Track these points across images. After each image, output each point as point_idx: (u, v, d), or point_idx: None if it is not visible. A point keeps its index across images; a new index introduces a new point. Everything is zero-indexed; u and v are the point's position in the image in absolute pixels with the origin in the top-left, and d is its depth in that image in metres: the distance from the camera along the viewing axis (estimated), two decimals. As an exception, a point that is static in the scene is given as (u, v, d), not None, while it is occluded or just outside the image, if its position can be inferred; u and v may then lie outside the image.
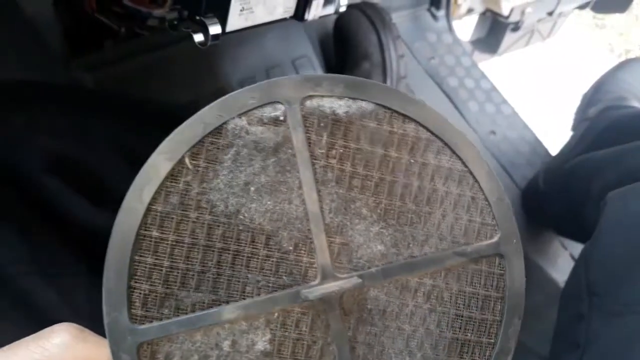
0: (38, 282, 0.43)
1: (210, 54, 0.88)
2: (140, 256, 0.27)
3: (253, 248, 0.28)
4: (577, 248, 0.94)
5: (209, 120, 0.28)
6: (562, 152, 0.96)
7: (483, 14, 1.23)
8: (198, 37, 0.48)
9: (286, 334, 0.28)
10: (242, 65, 0.92)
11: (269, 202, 0.28)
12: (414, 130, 0.31)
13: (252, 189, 0.28)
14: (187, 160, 0.27)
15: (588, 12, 1.40)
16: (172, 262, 0.27)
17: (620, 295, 0.49)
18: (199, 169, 0.28)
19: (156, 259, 0.27)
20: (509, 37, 1.26)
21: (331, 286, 0.29)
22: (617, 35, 1.79)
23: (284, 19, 0.56)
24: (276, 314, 0.28)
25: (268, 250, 0.28)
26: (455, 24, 1.18)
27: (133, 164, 0.50)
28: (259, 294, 0.28)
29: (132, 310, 0.26)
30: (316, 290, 0.28)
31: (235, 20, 0.50)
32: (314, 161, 0.29)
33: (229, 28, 0.50)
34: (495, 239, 0.32)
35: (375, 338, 0.30)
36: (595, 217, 0.61)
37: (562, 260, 0.95)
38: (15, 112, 0.47)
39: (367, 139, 0.30)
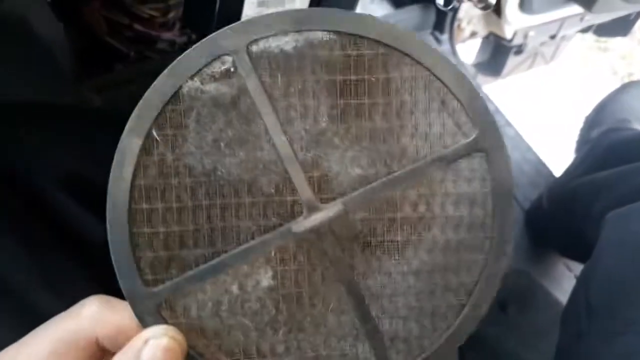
0: (46, 296, 0.44)
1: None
2: (138, 228, 0.29)
3: (238, 198, 0.30)
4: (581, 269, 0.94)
5: (163, 90, 0.29)
6: (565, 174, 0.96)
7: (486, 38, 1.25)
8: (207, 60, 0.50)
9: (286, 267, 0.30)
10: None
11: (241, 154, 0.29)
12: (369, 48, 0.30)
13: (222, 144, 0.29)
14: (154, 132, 0.29)
15: (591, 35, 1.42)
16: (166, 227, 0.29)
17: (620, 315, 0.50)
18: (168, 137, 0.29)
19: (152, 227, 0.29)
20: (512, 60, 1.27)
21: (317, 217, 0.30)
22: (620, 58, 1.80)
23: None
24: (273, 252, 0.30)
25: (252, 198, 0.30)
26: (459, 47, 1.20)
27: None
28: (253, 238, 0.30)
29: (144, 277, 0.29)
30: (304, 223, 0.30)
31: (243, 44, 0.52)
32: (274, 103, 0.29)
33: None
34: (473, 136, 0.31)
35: (371, 254, 0.31)
36: (596, 238, 0.61)
37: (566, 282, 0.95)
38: (30, 132, 0.48)
39: (322, 68, 0.30)
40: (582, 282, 0.58)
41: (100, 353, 0.28)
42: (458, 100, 0.31)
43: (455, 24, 1.16)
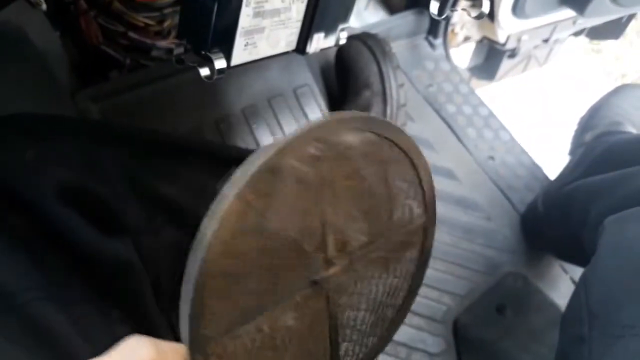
0: (49, 308, 0.44)
1: (214, 84, 0.90)
2: (214, 281, 0.31)
3: (288, 259, 0.35)
4: (577, 272, 0.95)
5: (270, 164, 0.33)
6: (560, 177, 0.97)
7: (480, 42, 1.26)
8: (204, 72, 0.50)
9: (305, 311, 0.37)
10: (245, 94, 0.94)
11: (297, 221, 0.35)
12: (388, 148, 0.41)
13: (292, 212, 0.35)
14: (247, 196, 0.32)
15: (584, 37, 1.43)
16: (237, 284, 0.33)
17: (620, 318, 0.50)
18: (254, 204, 0.32)
19: (225, 281, 0.32)
20: (506, 64, 1.28)
21: (331, 272, 0.38)
22: (613, 60, 1.81)
23: (286, 52, 0.58)
24: (299, 298, 0.36)
25: (297, 257, 0.36)
26: (453, 51, 1.21)
27: (140, 193, 0.52)
28: (293, 295, 0.36)
29: (203, 322, 0.32)
30: (322, 275, 0.37)
31: (240, 55, 0.52)
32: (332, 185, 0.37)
33: (233, 62, 0.52)
34: (424, 219, 0.45)
35: (354, 298, 0.41)
36: (593, 241, 0.62)
37: (562, 284, 0.96)
38: (28, 145, 0.48)
39: (363, 161, 0.39)
40: (582, 286, 0.58)
41: None
42: (423, 190, 0.43)
43: (449, 29, 1.17)
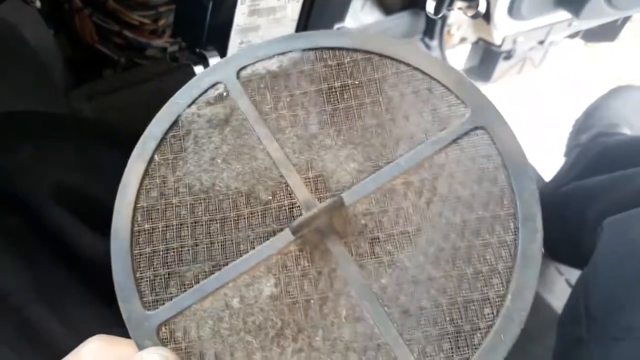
0: (43, 310, 0.43)
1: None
2: (140, 249, 0.30)
3: (237, 210, 0.30)
4: (573, 273, 0.94)
5: (164, 119, 0.33)
6: (556, 178, 0.97)
7: (475, 43, 1.26)
8: (198, 69, 0.50)
9: (290, 274, 0.29)
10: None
11: (237, 166, 0.31)
12: (348, 56, 0.32)
13: (219, 160, 0.31)
14: (156, 157, 0.32)
15: (579, 40, 1.43)
16: (166, 245, 0.30)
17: (619, 321, 0.50)
18: (169, 161, 0.32)
19: (153, 247, 0.30)
20: (501, 65, 1.28)
21: (310, 211, 0.28)
22: (608, 63, 1.82)
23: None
24: (274, 259, 0.29)
25: (250, 208, 0.30)
26: (449, 53, 1.20)
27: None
28: (253, 247, 0.29)
29: (143, 299, 0.29)
30: (299, 219, 0.28)
31: (235, 53, 0.52)
32: (265, 117, 0.32)
33: (228, 60, 0.52)
34: (467, 115, 0.31)
35: (381, 250, 0.29)
36: (591, 243, 0.61)
37: (557, 286, 0.96)
38: (22, 143, 0.48)
39: (307, 81, 0.32)
40: (581, 288, 0.58)
41: None
42: (444, 85, 0.31)
43: (445, 30, 1.16)
